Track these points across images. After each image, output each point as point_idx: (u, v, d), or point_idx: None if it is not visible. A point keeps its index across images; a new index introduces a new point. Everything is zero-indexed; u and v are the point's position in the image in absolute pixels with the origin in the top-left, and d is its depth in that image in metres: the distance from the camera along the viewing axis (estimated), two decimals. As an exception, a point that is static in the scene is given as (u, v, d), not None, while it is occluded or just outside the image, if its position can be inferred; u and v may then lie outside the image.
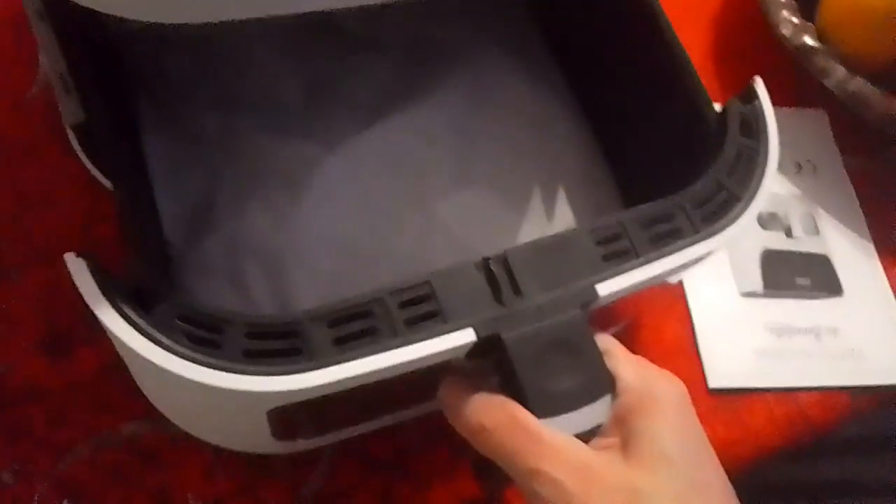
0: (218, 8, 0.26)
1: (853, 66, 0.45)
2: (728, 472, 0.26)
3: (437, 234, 0.37)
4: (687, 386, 0.27)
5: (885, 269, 0.45)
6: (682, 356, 0.41)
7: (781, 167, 0.48)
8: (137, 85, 0.40)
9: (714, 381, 0.40)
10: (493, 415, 0.25)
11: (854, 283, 0.44)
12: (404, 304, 0.26)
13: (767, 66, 0.51)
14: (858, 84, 0.45)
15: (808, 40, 0.46)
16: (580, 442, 0.25)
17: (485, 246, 0.36)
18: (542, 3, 0.45)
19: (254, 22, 0.40)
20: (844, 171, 0.48)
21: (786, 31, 0.46)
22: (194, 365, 0.24)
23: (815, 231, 0.46)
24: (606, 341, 0.28)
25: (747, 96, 0.33)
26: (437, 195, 0.38)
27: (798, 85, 0.50)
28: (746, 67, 0.51)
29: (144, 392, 0.32)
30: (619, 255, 0.28)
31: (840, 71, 0.45)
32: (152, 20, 0.26)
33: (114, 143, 0.32)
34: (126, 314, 0.24)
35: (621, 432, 0.25)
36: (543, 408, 0.25)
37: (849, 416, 0.41)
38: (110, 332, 0.24)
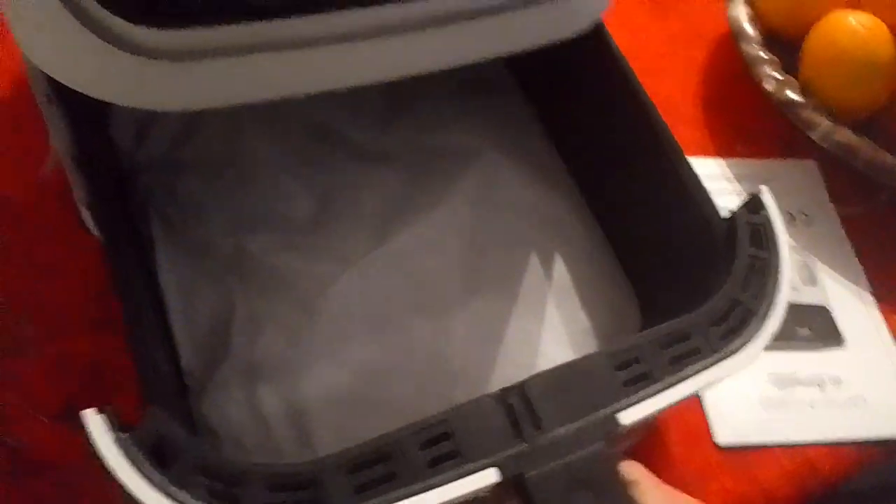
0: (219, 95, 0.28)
1: (838, 117, 0.46)
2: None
3: (450, 348, 0.38)
4: (694, 441, 0.27)
5: (884, 316, 0.45)
6: (688, 411, 0.41)
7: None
8: (149, 205, 0.41)
9: (722, 437, 0.39)
10: None
11: (854, 332, 0.44)
12: (424, 445, 0.26)
13: (757, 116, 0.52)
14: (844, 135, 0.46)
15: (792, 94, 0.47)
16: None
17: (500, 359, 0.37)
18: (548, 108, 0.46)
19: (264, 141, 0.42)
20: (838, 220, 0.49)
21: (769, 86, 0.48)
22: None
23: (813, 281, 0.46)
24: (633, 470, 0.27)
25: (754, 206, 0.33)
26: (450, 308, 0.38)
27: (787, 136, 0.51)
28: (736, 118, 0.53)
29: None
30: (638, 380, 0.28)
31: (825, 123, 0.46)
32: (149, 108, 0.27)
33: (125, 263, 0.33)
34: (145, 473, 0.24)
35: None
36: None
37: (858, 467, 0.41)
38: (128, 492, 0.23)
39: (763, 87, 0.48)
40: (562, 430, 0.26)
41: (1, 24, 0.48)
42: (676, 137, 0.36)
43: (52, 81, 0.33)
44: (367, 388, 0.36)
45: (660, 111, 0.37)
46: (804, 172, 0.51)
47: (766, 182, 0.52)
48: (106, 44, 0.25)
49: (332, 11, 0.27)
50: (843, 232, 0.48)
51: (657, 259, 0.39)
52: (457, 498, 0.25)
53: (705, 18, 0.57)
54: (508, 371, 0.37)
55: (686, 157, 0.35)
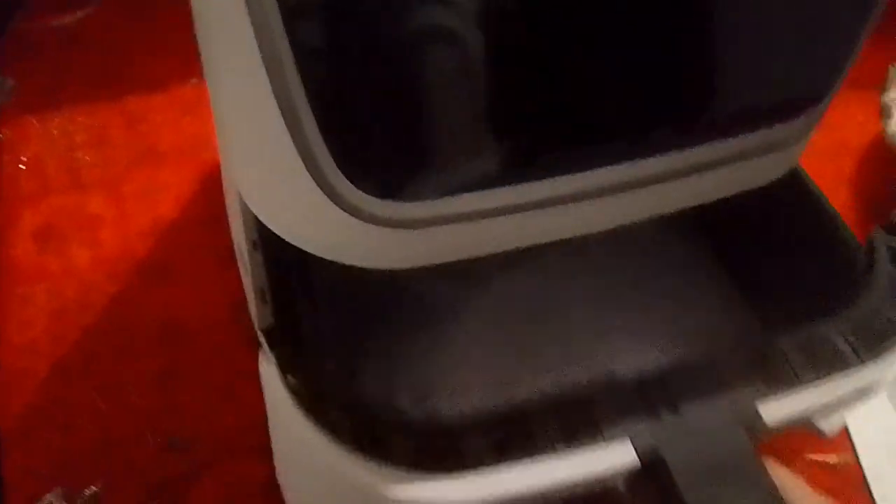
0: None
1: None
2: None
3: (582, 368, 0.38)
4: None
5: None
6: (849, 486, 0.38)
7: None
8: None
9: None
10: None
11: None
12: (563, 422, 0.26)
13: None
14: None
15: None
16: None
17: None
18: None
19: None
20: None
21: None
22: (366, 469, 0.24)
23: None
24: (785, 477, 0.27)
25: (892, 228, 0.33)
26: (581, 333, 0.39)
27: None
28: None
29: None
30: (779, 380, 0.27)
31: None
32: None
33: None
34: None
35: None
36: None
37: None
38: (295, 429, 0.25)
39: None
40: (699, 416, 0.26)
41: (178, 147, 0.51)
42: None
43: (259, 230, 0.34)
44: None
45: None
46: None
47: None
48: (350, 216, 0.25)
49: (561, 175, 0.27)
50: None
51: (788, 286, 0.38)
52: (593, 474, 0.25)
53: (853, 130, 0.56)
54: None
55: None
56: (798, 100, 0.29)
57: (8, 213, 0.49)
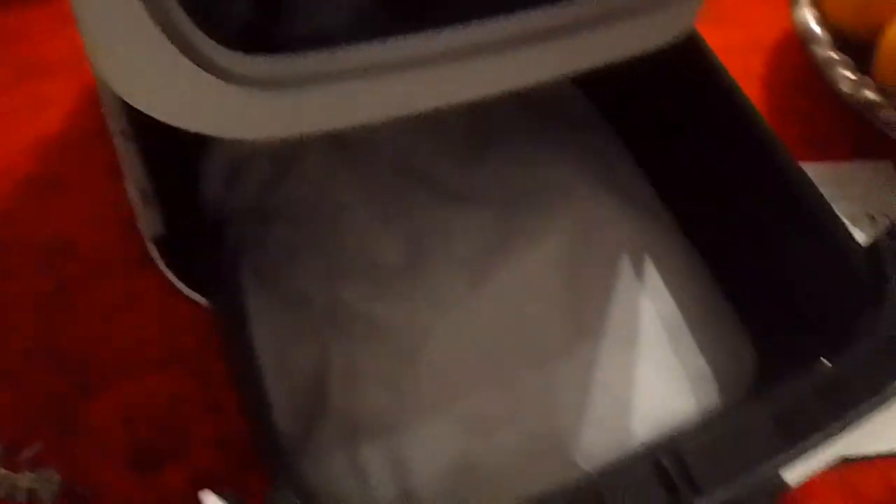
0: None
1: (919, 116, 0.45)
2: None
3: (559, 399, 0.35)
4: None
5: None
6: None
7: (857, 221, 0.47)
8: (240, 256, 0.39)
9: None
10: None
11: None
12: None
13: (824, 122, 0.51)
14: (928, 132, 0.44)
15: (870, 94, 0.46)
16: None
17: (614, 411, 0.35)
18: (638, 138, 0.45)
19: (351, 186, 0.41)
20: (920, 219, 0.47)
21: (845, 87, 0.46)
22: None
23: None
24: None
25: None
26: (556, 355, 0.36)
27: (858, 138, 0.50)
28: (804, 124, 0.51)
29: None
30: (801, 432, 0.25)
31: (907, 122, 0.44)
32: (247, 137, 0.26)
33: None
34: None
35: None
36: None
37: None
38: None
39: (838, 89, 0.46)
40: (721, 494, 0.24)
41: (62, 60, 0.48)
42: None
43: (129, 115, 0.32)
44: (474, 444, 0.34)
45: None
46: (880, 174, 0.49)
47: (841, 185, 0.50)
48: (207, 74, 0.23)
49: (429, 31, 0.25)
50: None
51: (775, 292, 0.37)
52: None
53: (762, 26, 0.56)
54: (621, 419, 0.35)
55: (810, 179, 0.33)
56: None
57: None
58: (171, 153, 0.34)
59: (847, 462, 0.37)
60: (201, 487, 0.35)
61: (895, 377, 0.27)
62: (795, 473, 0.25)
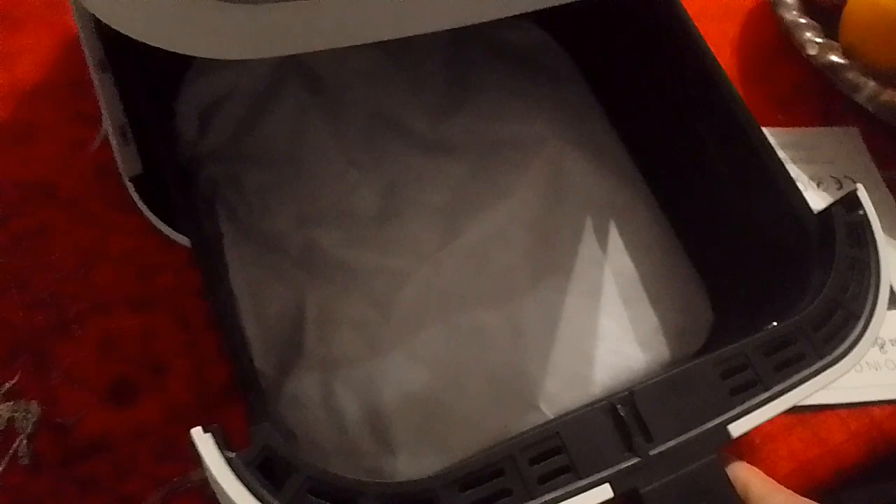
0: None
1: (882, 79, 0.46)
2: (811, 492, 0.25)
3: (523, 343, 0.37)
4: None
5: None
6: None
7: (822, 184, 0.48)
8: (215, 199, 0.40)
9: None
10: None
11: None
12: (535, 460, 0.25)
13: (794, 86, 0.52)
14: (890, 95, 0.45)
15: (835, 58, 0.47)
16: None
17: (572, 356, 0.36)
18: (611, 94, 0.45)
19: (327, 132, 0.41)
20: (884, 183, 0.48)
21: (812, 51, 0.47)
22: None
23: (864, 243, 0.46)
24: (742, 474, 0.27)
25: (850, 204, 0.32)
26: (522, 302, 0.38)
27: (826, 104, 0.51)
28: (773, 89, 0.52)
29: None
30: (746, 388, 0.27)
31: (871, 85, 0.46)
32: (224, 57, 0.26)
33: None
34: (259, 494, 0.23)
35: None
36: None
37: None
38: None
39: (805, 52, 0.47)
40: (674, 443, 0.26)
41: (33, 11, 0.48)
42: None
43: (107, 45, 0.32)
44: (443, 385, 0.35)
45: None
46: (847, 139, 0.50)
47: (809, 149, 0.51)
48: None
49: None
50: (890, 195, 0.48)
51: (732, 254, 0.38)
52: None
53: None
54: (582, 368, 0.37)
55: (771, 145, 0.34)
56: None
57: None
58: (148, 87, 0.35)
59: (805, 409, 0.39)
60: (176, 421, 0.36)
61: (839, 341, 0.29)
62: (741, 427, 0.26)
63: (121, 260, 0.40)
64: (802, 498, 0.26)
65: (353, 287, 0.37)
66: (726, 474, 0.26)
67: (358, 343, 0.36)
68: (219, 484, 0.23)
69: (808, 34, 0.48)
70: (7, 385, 0.36)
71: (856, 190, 0.32)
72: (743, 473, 0.26)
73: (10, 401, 0.35)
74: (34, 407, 0.35)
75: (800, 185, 0.33)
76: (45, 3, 0.49)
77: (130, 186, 0.38)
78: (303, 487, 0.23)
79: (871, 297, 0.30)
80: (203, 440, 0.23)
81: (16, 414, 0.35)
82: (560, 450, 0.25)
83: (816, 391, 0.28)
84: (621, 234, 0.41)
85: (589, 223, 0.41)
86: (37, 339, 0.37)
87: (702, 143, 0.38)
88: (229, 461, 0.23)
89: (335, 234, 0.39)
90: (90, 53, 0.33)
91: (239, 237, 0.39)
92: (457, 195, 0.41)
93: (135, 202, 0.40)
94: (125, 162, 0.37)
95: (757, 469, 0.27)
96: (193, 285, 0.40)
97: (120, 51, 0.34)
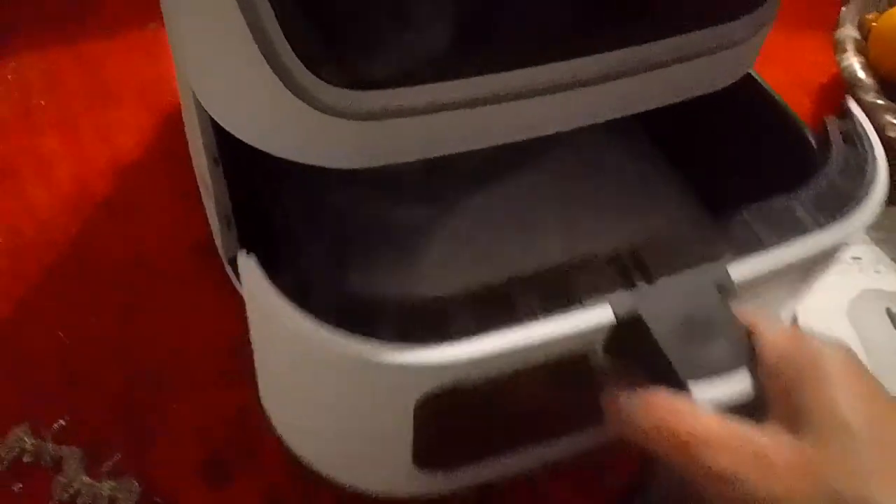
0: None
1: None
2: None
3: (559, 250, 0.39)
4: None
5: None
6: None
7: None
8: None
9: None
10: (659, 414, 0.24)
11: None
12: (542, 294, 0.26)
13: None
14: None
15: (916, 140, 0.47)
16: (750, 428, 0.23)
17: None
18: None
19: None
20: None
21: (892, 133, 0.47)
22: (353, 342, 0.25)
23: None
24: (753, 316, 0.27)
25: (843, 113, 0.34)
26: (549, 250, 0.39)
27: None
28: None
29: (280, 428, 0.34)
30: (746, 246, 0.28)
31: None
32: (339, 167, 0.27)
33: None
34: (290, 299, 0.25)
35: (787, 411, 0.24)
36: (690, 371, 0.24)
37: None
38: (278, 318, 0.25)
39: (886, 135, 0.47)
40: (674, 278, 0.27)
41: (134, 87, 0.50)
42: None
43: (219, 143, 0.34)
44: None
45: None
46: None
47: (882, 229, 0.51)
48: (311, 108, 0.25)
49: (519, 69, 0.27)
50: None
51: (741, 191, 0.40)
52: (574, 336, 0.26)
53: (807, 68, 0.58)
54: None
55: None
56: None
57: (-39, 156, 0.47)
58: (257, 180, 0.36)
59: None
60: (271, 502, 0.37)
61: (835, 213, 0.30)
62: (740, 271, 0.27)
63: (216, 336, 0.41)
64: (810, 335, 0.26)
65: (391, 235, 0.40)
66: (730, 309, 0.26)
67: (394, 281, 0.38)
68: (258, 297, 0.25)
69: (888, 116, 0.48)
70: (108, 463, 0.37)
71: (846, 101, 0.34)
72: (750, 312, 0.27)
73: (111, 479, 0.36)
74: (134, 486, 0.36)
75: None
76: (143, 79, 0.52)
77: (229, 269, 0.40)
78: (330, 301, 0.26)
79: (867, 180, 0.31)
80: (246, 260, 0.26)
81: (118, 493, 0.36)
82: (565, 285, 0.26)
83: (813, 254, 0.29)
84: (642, 198, 0.43)
85: (612, 190, 0.43)
86: (136, 416, 0.39)
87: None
88: (268, 276, 0.26)
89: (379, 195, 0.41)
90: (206, 150, 0.34)
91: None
92: (492, 163, 0.43)
93: (231, 281, 0.41)
94: (225, 245, 0.39)
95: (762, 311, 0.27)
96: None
97: (233, 147, 0.36)
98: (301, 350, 0.27)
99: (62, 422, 0.38)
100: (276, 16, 0.23)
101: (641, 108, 0.31)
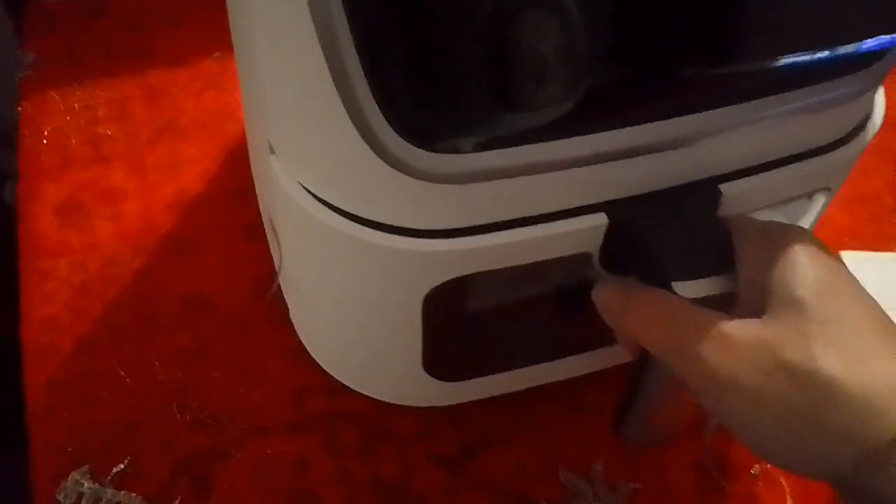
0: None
1: None
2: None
3: None
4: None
5: None
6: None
7: None
8: None
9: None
10: (645, 304, 0.26)
11: None
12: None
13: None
14: None
15: None
16: (721, 315, 0.25)
17: None
18: None
19: None
20: None
21: None
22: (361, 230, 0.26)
23: None
24: (737, 219, 0.27)
25: None
26: None
27: None
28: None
29: (299, 327, 0.35)
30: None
31: None
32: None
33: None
34: None
35: (754, 297, 0.25)
36: (676, 275, 0.25)
37: None
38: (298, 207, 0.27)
39: None
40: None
41: (200, 120, 0.50)
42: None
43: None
44: None
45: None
46: None
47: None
48: (397, 172, 0.24)
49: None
50: None
51: None
52: (571, 233, 0.27)
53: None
54: None
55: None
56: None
57: (30, 187, 0.47)
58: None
59: None
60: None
61: None
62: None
63: (277, 380, 0.40)
64: (778, 221, 0.27)
65: None
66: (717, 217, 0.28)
67: None
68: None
69: None
70: (171, 512, 0.36)
71: None
72: (738, 218, 0.27)
73: (172, 528, 0.35)
74: (196, 536, 0.35)
75: None
76: (207, 109, 0.52)
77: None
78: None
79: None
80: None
81: (179, 544, 0.35)
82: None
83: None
84: None
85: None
86: (197, 462, 0.38)
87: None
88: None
89: None
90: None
91: None
92: None
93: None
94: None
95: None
96: (345, 409, 0.39)
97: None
98: (317, 238, 0.28)
99: (121, 466, 0.37)
100: (370, 88, 0.22)
101: (750, 164, 0.29)
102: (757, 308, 0.24)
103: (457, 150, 0.23)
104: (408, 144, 0.23)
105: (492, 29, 0.22)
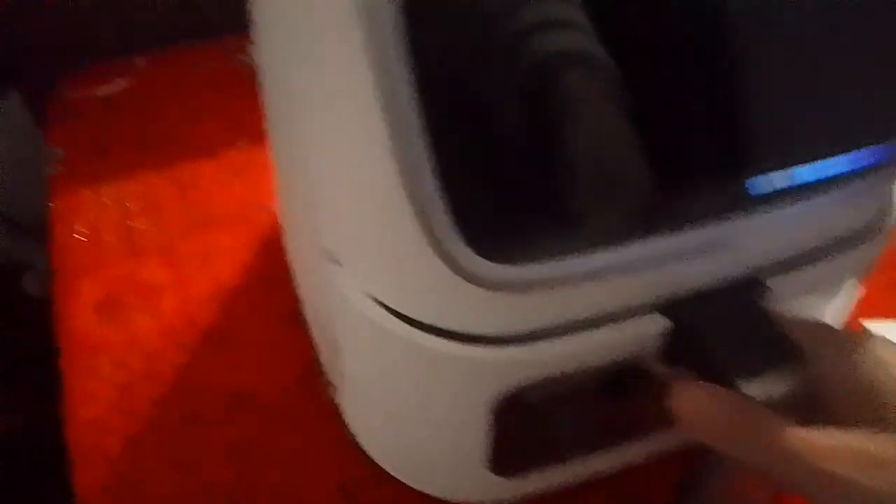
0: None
1: None
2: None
3: None
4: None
5: None
6: None
7: None
8: None
9: None
10: (745, 421, 0.24)
11: None
12: None
13: None
14: None
15: None
16: (838, 431, 0.24)
17: None
18: None
19: None
20: None
21: None
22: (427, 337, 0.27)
23: None
24: (787, 316, 0.27)
25: None
26: None
27: None
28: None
29: (349, 419, 0.36)
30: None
31: None
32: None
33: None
34: None
35: (833, 396, 0.25)
36: (737, 372, 0.25)
37: None
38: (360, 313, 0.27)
39: None
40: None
41: (231, 210, 0.51)
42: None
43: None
44: None
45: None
46: None
47: None
48: (470, 285, 0.25)
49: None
50: None
51: None
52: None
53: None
54: None
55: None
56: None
57: (66, 284, 0.48)
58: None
59: None
60: None
61: None
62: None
63: (324, 474, 0.40)
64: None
65: None
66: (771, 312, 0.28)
67: None
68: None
69: None
70: None
71: None
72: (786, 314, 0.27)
73: None
74: None
75: None
76: (236, 199, 0.53)
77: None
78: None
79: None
80: None
81: None
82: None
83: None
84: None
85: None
86: (249, 563, 0.38)
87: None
88: None
89: None
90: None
91: None
92: None
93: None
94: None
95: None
96: (394, 501, 0.39)
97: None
98: (385, 348, 0.29)
99: (173, 570, 0.37)
100: (446, 212, 0.23)
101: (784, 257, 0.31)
102: (836, 406, 0.25)
103: (530, 261, 0.24)
104: (487, 262, 0.24)
105: (572, 154, 0.23)
